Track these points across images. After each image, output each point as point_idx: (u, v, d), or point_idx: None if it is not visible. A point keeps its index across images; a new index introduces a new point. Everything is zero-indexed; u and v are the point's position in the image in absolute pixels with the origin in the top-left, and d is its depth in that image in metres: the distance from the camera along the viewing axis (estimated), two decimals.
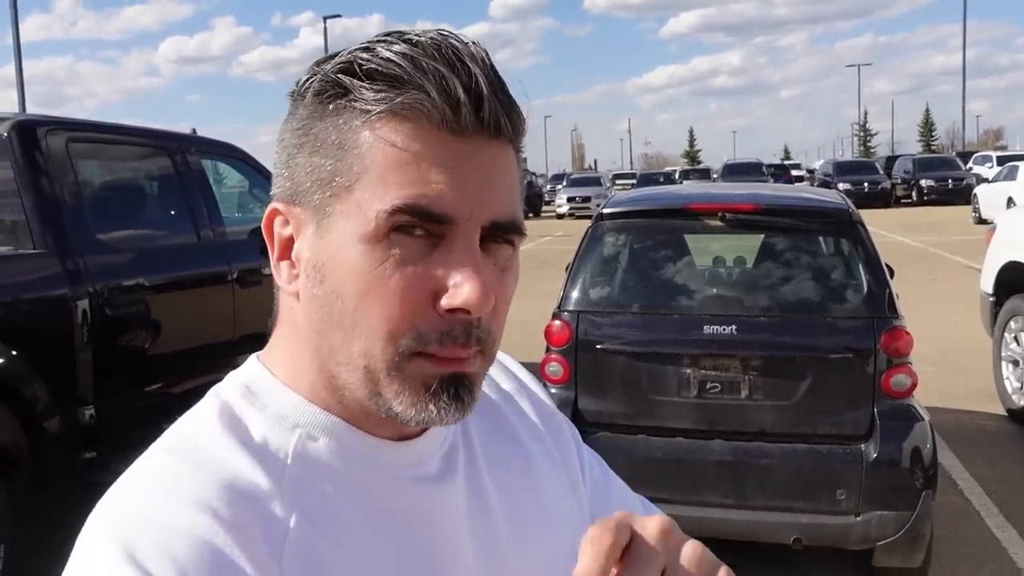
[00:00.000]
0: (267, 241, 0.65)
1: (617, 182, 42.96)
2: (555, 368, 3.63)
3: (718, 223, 3.57)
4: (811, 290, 3.55)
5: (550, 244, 21.56)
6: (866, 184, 28.77)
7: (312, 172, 0.61)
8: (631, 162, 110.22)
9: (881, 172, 31.08)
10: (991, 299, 6.06)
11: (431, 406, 0.60)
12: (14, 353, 3.34)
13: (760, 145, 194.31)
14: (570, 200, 31.88)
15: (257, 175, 5.47)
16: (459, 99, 0.58)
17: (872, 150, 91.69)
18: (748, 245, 3.89)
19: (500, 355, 0.78)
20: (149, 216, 4.64)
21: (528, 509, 0.73)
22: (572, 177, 37.29)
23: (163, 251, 4.36)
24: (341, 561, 0.60)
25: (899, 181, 30.56)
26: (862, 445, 3.34)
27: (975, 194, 21.94)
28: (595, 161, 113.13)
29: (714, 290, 3.79)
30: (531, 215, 34.30)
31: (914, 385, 3.38)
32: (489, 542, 0.69)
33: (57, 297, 3.57)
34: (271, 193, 0.65)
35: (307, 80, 0.62)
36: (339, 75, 0.60)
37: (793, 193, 4.09)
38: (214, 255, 4.60)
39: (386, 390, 0.60)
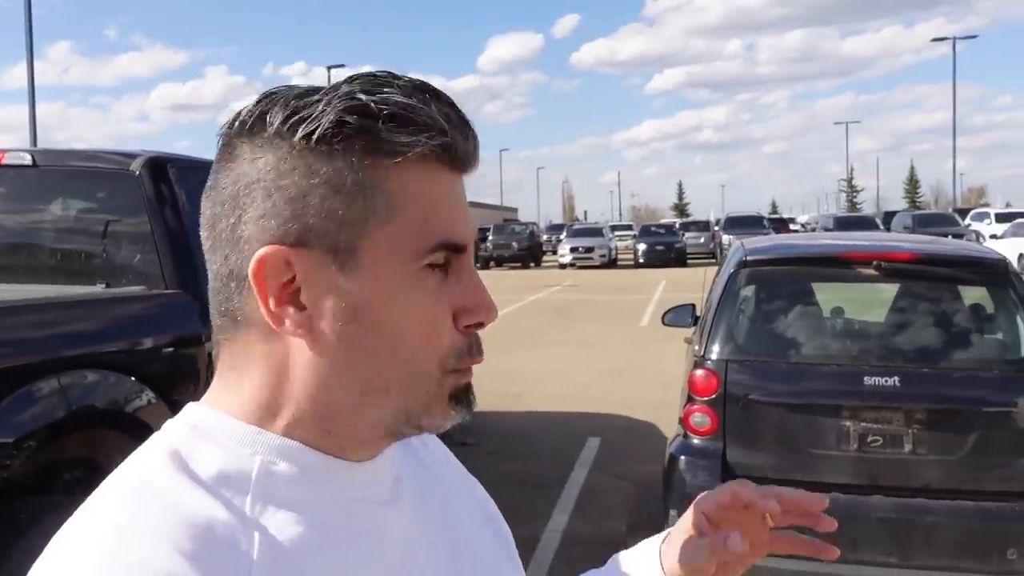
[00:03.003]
0: (256, 287, 0.62)
1: (615, 232, 43.16)
2: (701, 419, 3.52)
3: (872, 272, 3.50)
4: (972, 342, 3.48)
5: (562, 294, 21.51)
6: None
7: (331, 213, 0.61)
8: (620, 214, 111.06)
9: (880, 227, 31.32)
10: None
11: (452, 412, 0.66)
12: (150, 394, 3.22)
13: (746, 198, 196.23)
14: (573, 250, 31.97)
15: None
16: (468, 144, 0.65)
17: (858, 206, 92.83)
18: (894, 294, 3.82)
19: None
20: None
21: (465, 544, 0.77)
22: (574, 228, 37.41)
23: None
24: None
25: None
26: None
27: None
28: (584, 212, 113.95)
29: (868, 340, 3.71)
30: (532, 264, 34.34)
31: None
32: (441, 569, 0.72)
33: (190, 337, 3.45)
34: (248, 236, 0.62)
35: (295, 118, 0.61)
36: (352, 116, 0.61)
37: (944, 243, 4.04)
38: None
39: (417, 406, 0.65)
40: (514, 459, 6.28)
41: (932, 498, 3.31)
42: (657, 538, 0.90)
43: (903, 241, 4.04)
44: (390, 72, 0.65)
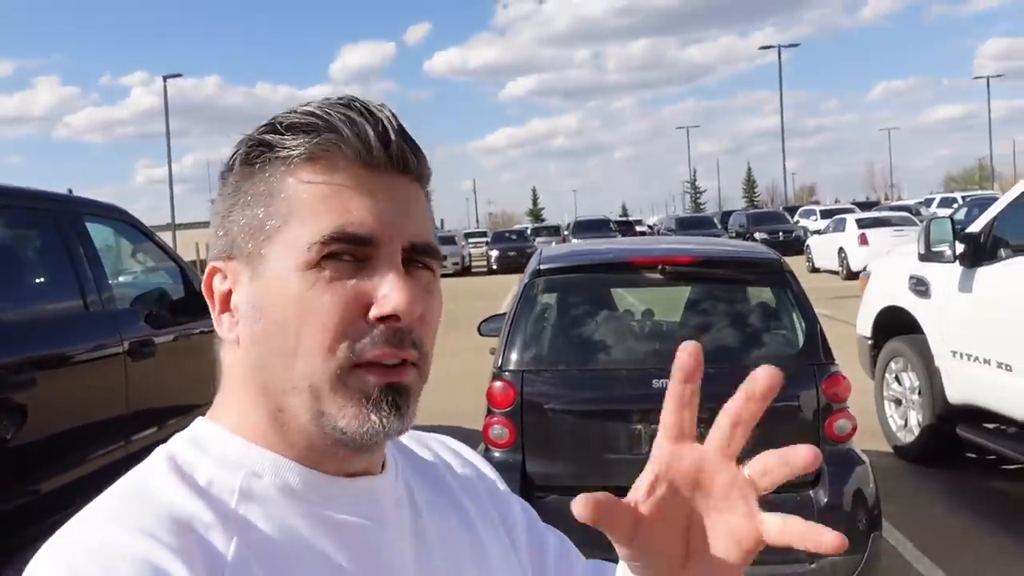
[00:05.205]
0: (208, 300, 0.71)
1: (470, 240, 43.31)
2: (500, 431, 3.49)
3: (658, 276, 3.58)
4: (753, 339, 3.60)
5: None
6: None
7: (245, 225, 0.67)
8: (477, 221, 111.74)
9: (719, 226, 32.90)
10: (869, 342, 6.40)
11: (372, 416, 0.64)
12: None
13: (599, 202, 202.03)
14: None
15: (143, 238, 5.07)
16: (369, 138, 0.66)
17: (702, 206, 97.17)
18: (687, 297, 3.93)
19: (455, 443, 0.89)
20: (33, 284, 4.18)
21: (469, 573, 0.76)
22: None
23: (49, 322, 3.92)
24: None
25: (734, 235, 32.42)
26: (811, 491, 3.38)
27: (808, 245, 23.55)
28: (441, 221, 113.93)
29: (659, 343, 3.78)
30: None
31: (854, 429, 3.47)
32: None
33: None
34: (208, 258, 0.71)
35: (234, 153, 0.70)
36: (263, 135, 0.67)
37: (724, 245, 4.19)
38: (104, 325, 4.18)
39: (330, 406, 0.64)
40: None
41: None
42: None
43: (688, 244, 4.17)
44: (347, 96, 0.68)
